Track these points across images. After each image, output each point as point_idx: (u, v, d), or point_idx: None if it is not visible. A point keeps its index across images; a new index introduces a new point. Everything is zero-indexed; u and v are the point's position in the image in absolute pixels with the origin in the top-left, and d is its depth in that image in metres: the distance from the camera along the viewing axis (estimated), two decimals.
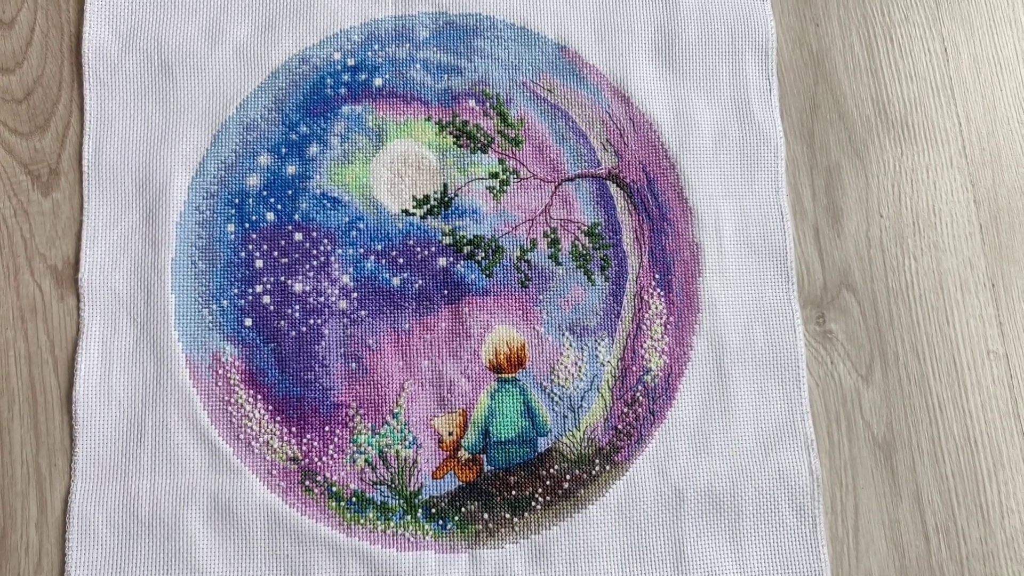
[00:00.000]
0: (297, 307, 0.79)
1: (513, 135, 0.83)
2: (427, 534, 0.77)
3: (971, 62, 0.87)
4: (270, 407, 0.78)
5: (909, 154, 0.85)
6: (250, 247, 0.80)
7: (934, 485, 0.79)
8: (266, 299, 0.79)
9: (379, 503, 0.77)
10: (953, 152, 0.85)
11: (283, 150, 0.82)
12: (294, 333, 0.79)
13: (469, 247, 0.81)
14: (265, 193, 0.81)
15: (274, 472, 0.77)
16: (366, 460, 0.78)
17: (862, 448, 0.80)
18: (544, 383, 0.80)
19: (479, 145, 0.83)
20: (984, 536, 0.78)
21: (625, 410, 0.79)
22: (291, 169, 0.81)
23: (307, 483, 0.77)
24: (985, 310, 0.82)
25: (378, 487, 0.77)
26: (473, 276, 0.81)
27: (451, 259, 0.81)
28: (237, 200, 0.81)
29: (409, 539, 0.77)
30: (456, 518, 0.77)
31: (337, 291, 0.80)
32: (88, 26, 0.82)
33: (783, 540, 0.78)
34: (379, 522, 0.77)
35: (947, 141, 0.85)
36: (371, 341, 0.79)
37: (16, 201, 0.80)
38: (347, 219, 0.81)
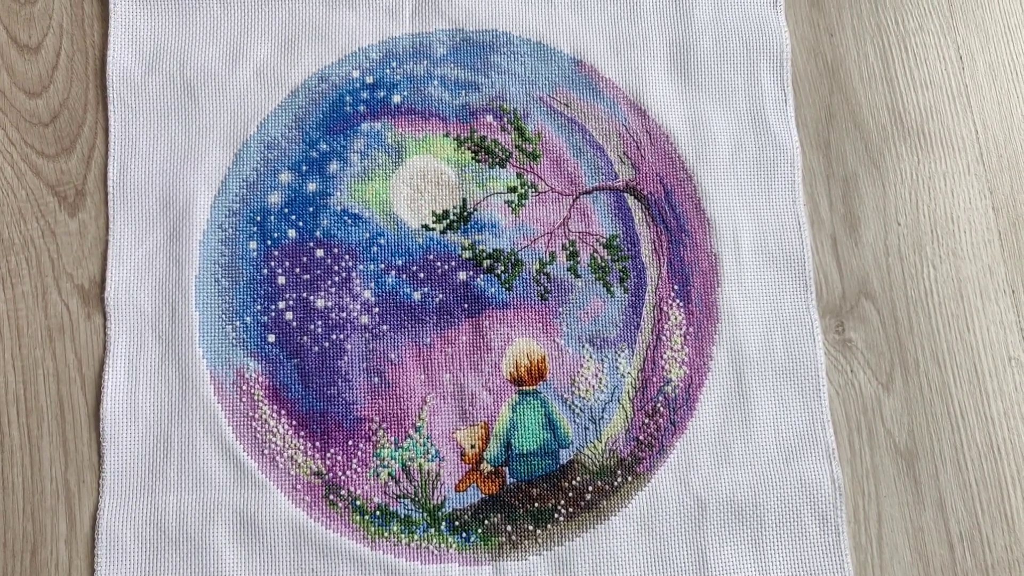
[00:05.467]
0: (319, 323, 0.80)
1: (531, 149, 0.84)
2: (451, 547, 0.77)
3: (987, 69, 0.87)
4: (294, 422, 0.79)
5: (926, 162, 0.85)
6: (272, 264, 0.81)
7: (957, 493, 0.79)
8: (289, 315, 0.80)
9: (403, 516, 0.78)
10: (970, 159, 0.85)
11: (304, 168, 0.83)
12: (317, 348, 0.80)
13: (488, 261, 0.82)
14: (287, 210, 0.82)
15: (298, 487, 0.78)
16: (389, 474, 0.78)
17: (884, 457, 0.79)
18: (565, 395, 0.80)
19: (497, 160, 0.83)
20: (1009, 544, 0.78)
21: (646, 421, 0.80)
22: (312, 186, 0.82)
23: (331, 497, 0.78)
24: (1006, 316, 0.82)
25: (401, 500, 0.78)
26: (493, 290, 0.81)
27: (471, 273, 0.81)
28: (259, 218, 0.82)
29: (433, 552, 0.77)
30: (479, 530, 0.78)
31: (359, 306, 0.81)
32: (112, 50, 0.84)
33: (806, 550, 0.78)
34: (403, 535, 0.77)
35: (964, 148, 0.85)
36: (393, 355, 0.80)
37: (44, 222, 0.81)
38: (368, 235, 0.82)
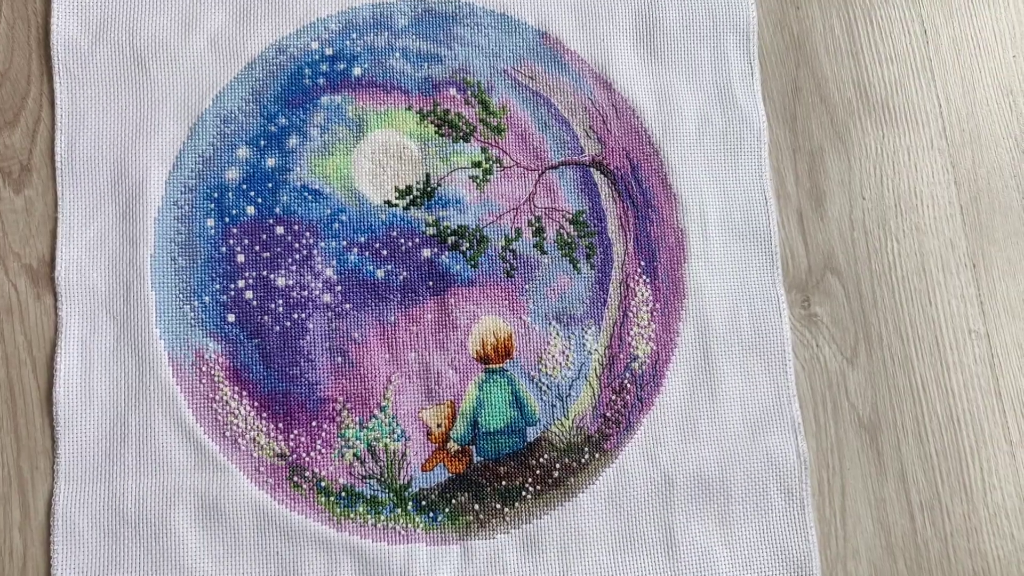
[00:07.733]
0: (280, 302, 0.78)
1: (495, 123, 0.82)
2: (418, 527, 0.77)
3: (950, 43, 0.87)
4: (256, 403, 0.77)
5: (890, 136, 0.85)
6: (231, 242, 0.79)
7: (918, 464, 0.80)
8: (249, 294, 0.78)
9: (369, 497, 0.77)
10: (933, 134, 0.85)
11: (262, 142, 0.80)
12: (278, 328, 0.78)
13: (453, 237, 0.80)
14: (245, 186, 0.79)
15: (262, 469, 0.76)
16: (354, 454, 0.77)
17: (848, 430, 0.80)
18: (532, 373, 0.79)
19: (461, 134, 0.82)
20: (967, 512, 0.80)
21: (613, 398, 0.79)
22: (271, 162, 0.80)
23: (295, 479, 0.76)
24: (967, 290, 0.83)
25: (367, 481, 0.77)
26: (458, 267, 0.80)
27: (435, 250, 0.80)
28: (216, 194, 0.79)
29: (400, 532, 0.77)
30: (447, 510, 0.77)
31: (321, 284, 0.79)
32: (56, 17, 0.80)
33: (772, 523, 0.78)
34: (369, 516, 0.77)
35: (927, 123, 0.85)
36: (356, 334, 0.78)
37: None
38: (329, 211, 0.80)
